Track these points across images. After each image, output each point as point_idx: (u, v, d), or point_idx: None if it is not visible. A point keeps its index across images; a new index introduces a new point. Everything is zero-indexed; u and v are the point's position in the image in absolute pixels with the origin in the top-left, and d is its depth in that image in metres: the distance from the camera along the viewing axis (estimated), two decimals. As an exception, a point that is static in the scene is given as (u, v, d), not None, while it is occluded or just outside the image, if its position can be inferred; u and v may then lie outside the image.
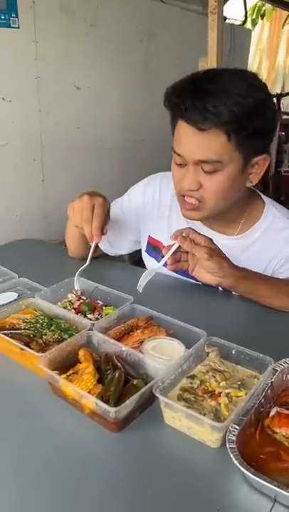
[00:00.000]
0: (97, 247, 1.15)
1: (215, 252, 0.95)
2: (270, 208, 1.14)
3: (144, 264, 1.35)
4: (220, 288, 1.13)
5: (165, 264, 1.00)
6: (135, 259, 1.44)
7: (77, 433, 0.72)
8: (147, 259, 1.31)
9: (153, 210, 1.25)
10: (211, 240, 0.96)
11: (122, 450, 0.69)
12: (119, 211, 1.29)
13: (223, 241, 1.06)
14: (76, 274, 1.08)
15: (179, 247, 0.96)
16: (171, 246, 0.96)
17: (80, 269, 1.08)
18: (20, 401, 0.79)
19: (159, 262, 1.25)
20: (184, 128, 0.96)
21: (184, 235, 0.95)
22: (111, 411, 0.67)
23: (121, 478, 0.65)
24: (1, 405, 0.78)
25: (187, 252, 1.00)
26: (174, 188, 1.08)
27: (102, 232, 1.06)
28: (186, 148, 0.97)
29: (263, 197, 1.17)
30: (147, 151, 3.11)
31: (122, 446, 0.70)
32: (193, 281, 1.15)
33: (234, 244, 1.11)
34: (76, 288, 1.07)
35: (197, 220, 1.09)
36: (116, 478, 0.65)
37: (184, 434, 0.70)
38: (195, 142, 0.94)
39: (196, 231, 0.97)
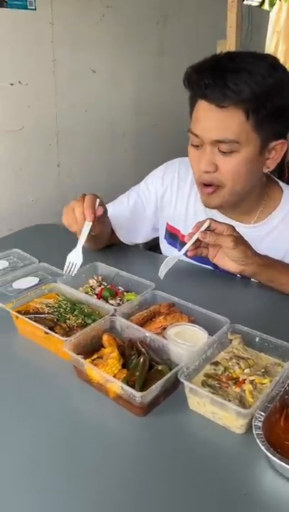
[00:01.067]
0: (98, 236, 1.10)
1: (239, 241, 0.94)
2: (288, 195, 1.13)
3: (160, 251, 1.36)
4: (238, 275, 1.13)
5: (185, 253, 1.00)
6: (150, 246, 1.45)
7: (102, 417, 0.74)
8: (165, 247, 1.31)
9: (172, 197, 1.24)
10: (233, 227, 0.96)
11: (147, 434, 0.71)
12: (137, 198, 1.28)
13: (242, 229, 1.05)
14: (68, 257, 1.02)
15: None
16: (192, 234, 0.96)
17: (71, 252, 1.02)
18: (44, 384, 0.80)
19: (177, 249, 1.25)
20: (202, 106, 0.95)
21: (205, 225, 0.94)
22: (137, 395, 0.68)
23: (146, 461, 0.66)
24: (26, 388, 0.80)
25: None
26: (192, 174, 1.07)
27: (95, 212, 1.01)
28: (203, 127, 0.96)
29: (281, 184, 1.16)
30: (160, 137, 3.08)
31: (147, 431, 0.71)
32: (211, 267, 1.15)
33: (252, 233, 1.10)
34: (65, 270, 1.01)
35: (217, 206, 1.08)
36: (141, 461, 0.66)
37: (208, 419, 0.71)
38: (213, 121, 0.94)
39: (216, 220, 0.96)
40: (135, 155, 2.96)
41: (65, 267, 1.01)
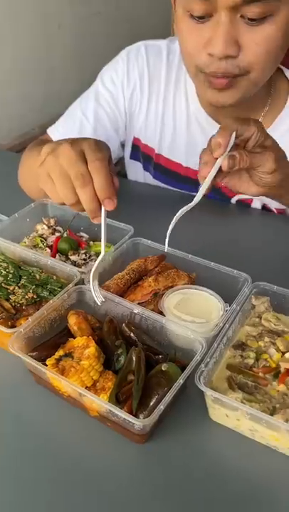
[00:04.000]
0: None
1: (280, 156, 0.61)
2: None
3: (125, 175, 1.04)
4: (234, 199, 0.87)
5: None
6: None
7: (80, 442, 0.49)
8: (133, 168, 0.99)
9: (142, 99, 0.89)
10: (261, 124, 0.61)
11: (149, 463, 0.47)
12: (95, 105, 0.92)
13: None
14: (91, 274, 0.57)
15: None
16: (208, 167, 0.59)
17: (96, 264, 0.58)
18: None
19: (151, 174, 0.95)
20: None
21: (232, 142, 0.57)
22: (136, 423, 0.43)
23: (151, 504, 0.43)
24: None
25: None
26: (184, 62, 0.72)
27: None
28: None
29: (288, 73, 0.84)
30: (104, 26, 2.55)
31: (150, 459, 0.47)
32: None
33: None
34: (97, 300, 0.57)
35: (235, 104, 0.72)
36: (144, 504, 0.43)
37: (244, 435, 0.48)
38: None
39: (241, 119, 0.59)
40: (76, 49, 2.44)
41: (94, 294, 0.57)
